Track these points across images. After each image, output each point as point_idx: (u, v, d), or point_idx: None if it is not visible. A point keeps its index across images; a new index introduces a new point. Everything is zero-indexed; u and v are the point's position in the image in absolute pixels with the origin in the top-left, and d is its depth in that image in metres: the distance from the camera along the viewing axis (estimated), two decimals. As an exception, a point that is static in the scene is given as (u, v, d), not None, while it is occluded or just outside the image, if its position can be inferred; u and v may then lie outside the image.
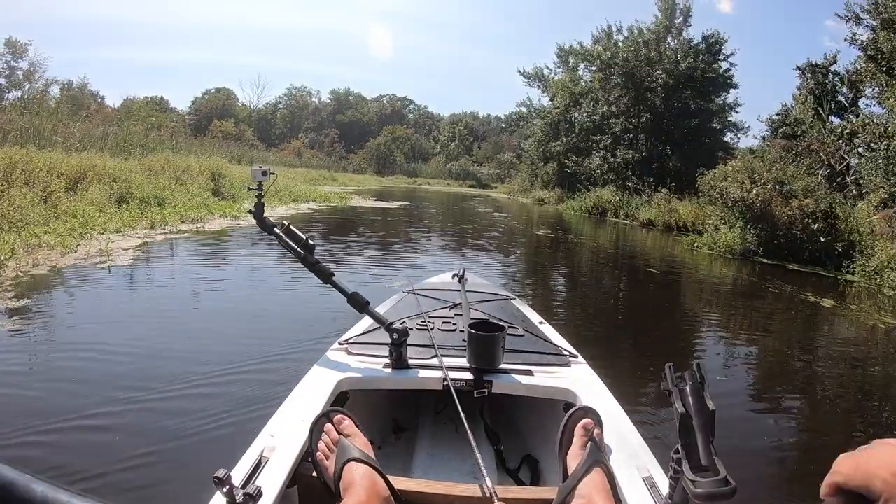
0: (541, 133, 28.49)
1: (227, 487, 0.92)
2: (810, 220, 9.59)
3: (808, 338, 5.55)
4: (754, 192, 9.88)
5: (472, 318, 1.84)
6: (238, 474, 1.04)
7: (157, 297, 4.69)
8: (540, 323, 2.20)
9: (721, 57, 21.71)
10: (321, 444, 1.18)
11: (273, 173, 1.75)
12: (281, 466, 1.11)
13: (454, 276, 2.64)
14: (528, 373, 1.61)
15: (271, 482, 1.04)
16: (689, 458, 0.81)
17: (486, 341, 1.57)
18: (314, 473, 1.17)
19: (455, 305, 2.20)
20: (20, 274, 4.76)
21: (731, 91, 22.48)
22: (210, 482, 0.92)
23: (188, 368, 3.09)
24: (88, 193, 8.04)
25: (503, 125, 56.90)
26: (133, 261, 5.68)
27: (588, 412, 1.27)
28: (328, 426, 1.20)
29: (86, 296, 4.47)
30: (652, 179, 18.67)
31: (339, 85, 66.94)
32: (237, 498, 0.93)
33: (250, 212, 1.72)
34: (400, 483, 1.15)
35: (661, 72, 21.20)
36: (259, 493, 0.98)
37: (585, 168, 23.23)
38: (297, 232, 1.69)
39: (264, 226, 1.69)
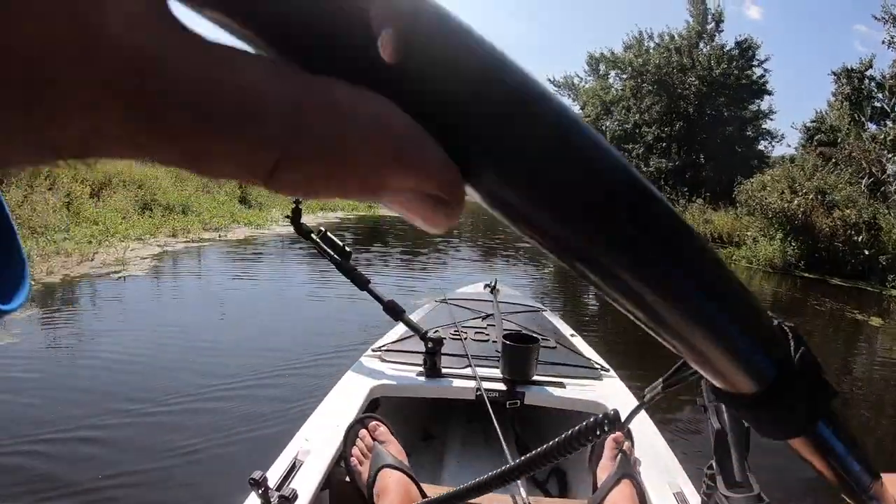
0: (571, 142, 28.05)
1: (263, 489, 0.93)
2: (853, 232, 9.06)
3: (848, 357, 5.19)
4: (795, 202, 9.39)
5: (504, 329, 1.85)
6: (273, 476, 1.05)
7: (167, 308, 4.66)
8: (571, 335, 2.20)
9: (755, 63, 21.12)
10: (355, 450, 1.18)
11: None
12: (315, 470, 1.13)
13: (486, 286, 2.66)
14: (561, 385, 1.61)
15: (305, 485, 1.05)
16: (722, 473, 0.78)
17: (520, 352, 1.58)
18: (348, 478, 1.17)
19: (487, 316, 2.19)
20: (32, 282, 4.69)
21: (766, 98, 21.96)
22: (246, 483, 0.94)
23: (209, 378, 3.19)
24: (112, 200, 8.12)
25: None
26: (148, 271, 5.69)
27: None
28: (363, 432, 1.20)
29: (93, 307, 4.44)
30: (686, 189, 18.10)
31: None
32: (272, 499, 0.94)
33: (287, 216, 1.72)
34: (433, 490, 1.14)
35: (693, 78, 20.73)
36: (294, 496, 0.98)
37: (617, 178, 22.59)
38: (334, 238, 1.70)
39: (301, 232, 1.69)
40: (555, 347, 1.90)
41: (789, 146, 21.56)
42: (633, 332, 5.65)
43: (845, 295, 7.85)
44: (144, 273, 5.51)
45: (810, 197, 9.44)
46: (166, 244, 7.03)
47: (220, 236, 8.24)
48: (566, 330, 2.28)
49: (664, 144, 21.66)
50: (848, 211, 9.26)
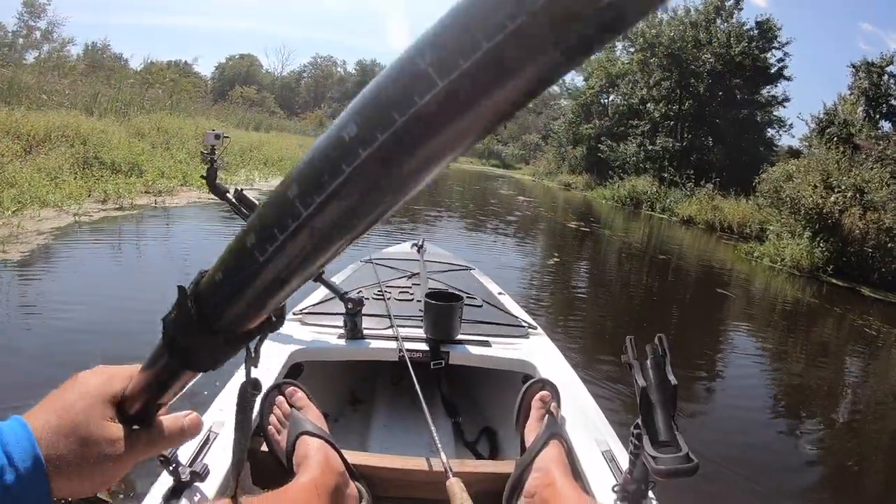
0: (572, 114, 26.86)
1: (174, 466, 0.86)
2: (886, 238, 8.12)
3: (876, 380, 4.47)
4: (832, 199, 8.37)
5: (429, 289, 1.75)
6: (185, 452, 0.97)
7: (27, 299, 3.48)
8: (499, 294, 2.18)
9: (776, 45, 19.84)
10: (272, 418, 1.13)
11: (227, 137, 1.73)
12: (230, 442, 0.79)
13: (413, 245, 2.61)
14: (486, 344, 1.59)
15: (220, 458, 0.99)
16: (649, 433, 0.80)
17: (442, 311, 1.53)
18: (265, 448, 1.13)
19: (413, 275, 2.15)
20: None
21: (780, 84, 20.73)
22: (154, 462, 0.79)
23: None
24: (45, 158, 6.72)
25: (530, 105, 54.92)
26: (31, 254, 4.24)
27: (545, 384, 1.25)
28: (280, 399, 1.15)
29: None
30: (692, 172, 17.04)
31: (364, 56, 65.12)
32: (183, 476, 0.88)
33: (202, 177, 1.67)
34: (355, 457, 1.13)
35: (709, 55, 19.40)
36: (207, 471, 0.91)
37: (620, 154, 21.47)
38: (250, 198, 1.61)
39: (216, 191, 1.65)
40: (481, 306, 1.87)
41: (793, 136, 20.53)
42: (561, 291, 5.88)
43: (884, 308, 6.98)
44: (24, 256, 4.12)
45: (848, 195, 8.43)
46: (85, 213, 5.67)
47: (157, 202, 6.87)
48: (494, 288, 2.26)
49: (672, 123, 20.44)
50: (883, 213, 8.28)
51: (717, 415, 3.29)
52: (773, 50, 19.91)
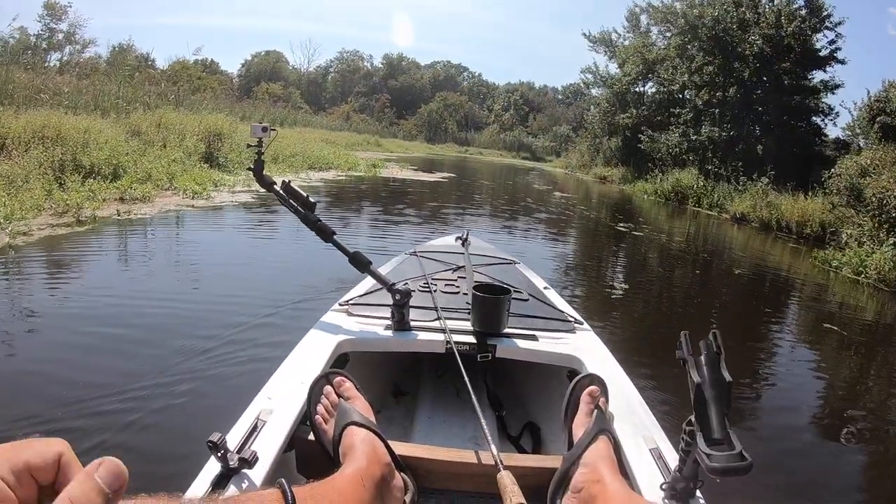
0: (606, 103, 25.67)
1: (222, 452, 0.89)
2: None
3: None
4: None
5: (475, 282, 1.79)
6: (233, 438, 1.00)
7: None
8: (545, 288, 2.17)
9: (828, 25, 18.29)
10: (320, 407, 1.14)
11: (274, 130, 1.71)
12: (278, 430, 1.08)
13: (457, 238, 2.61)
14: (533, 338, 1.58)
15: (268, 446, 1.01)
16: (703, 430, 0.78)
17: (490, 304, 1.52)
18: (312, 437, 1.13)
19: (458, 268, 2.14)
20: None
21: (830, 68, 18.67)
22: (205, 447, 0.88)
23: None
24: (5, 165, 5.92)
25: (560, 97, 54.99)
26: None
27: (594, 380, 1.24)
28: (328, 388, 1.17)
29: None
30: (740, 164, 15.86)
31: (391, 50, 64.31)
32: (231, 463, 0.90)
33: (250, 169, 1.69)
34: (401, 448, 1.12)
35: (756, 37, 18.00)
36: (255, 458, 0.94)
37: (662, 145, 20.08)
38: (298, 190, 1.65)
39: (263, 183, 1.66)
40: (527, 300, 1.85)
41: (835, 125, 18.76)
42: (608, 286, 5.59)
43: None
44: None
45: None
46: (27, 232, 4.67)
47: (123, 213, 5.84)
48: (539, 282, 2.26)
49: (717, 111, 19.12)
50: None
51: (767, 420, 3.12)
52: (826, 31, 18.45)
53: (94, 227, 5.30)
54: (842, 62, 18.65)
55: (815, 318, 5.85)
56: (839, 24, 18.31)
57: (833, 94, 19.02)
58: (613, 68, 26.66)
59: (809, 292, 7.06)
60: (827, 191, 10.25)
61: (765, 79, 18.55)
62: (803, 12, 18.00)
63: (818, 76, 18.90)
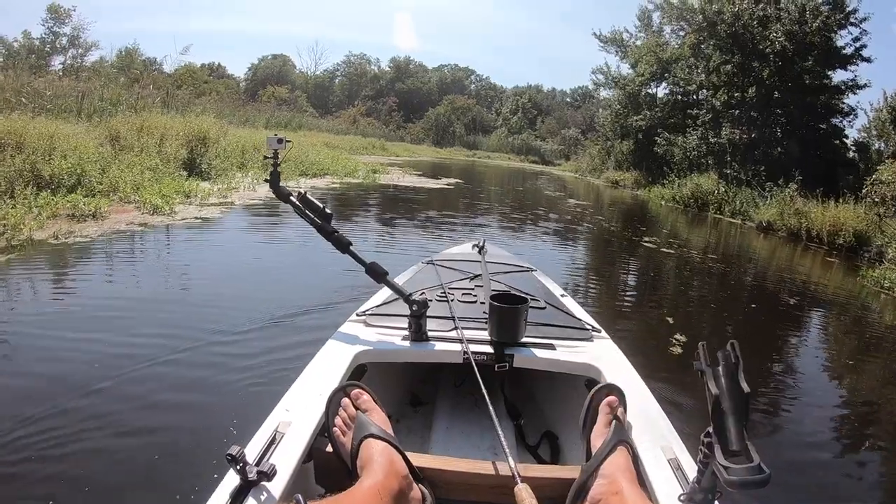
0: (618, 105, 24.84)
1: (241, 465, 0.89)
2: None
3: None
4: None
5: (492, 290, 1.79)
6: (252, 451, 0.99)
7: None
8: (562, 296, 2.14)
9: (853, 21, 17.36)
10: (338, 420, 1.14)
11: (289, 141, 1.73)
12: (296, 442, 1.07)
13: (474, 246, 2.60)
14: (551, 347, 1.56)
15: (286, 458, 1.00)
16: (720, 441, 0.77)
17: (508, 314, 1.50)
18: (330, 449, 1.13)
19: (475, 277, 2.12)
20: None
21: (855, 67, 17.59)
22: (223, 460, 0.87)
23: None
24: None
25: (568, 100, 54.13)
26: None
27: (612, 389, 1.22)
28: (345, 401, 1.17)
29: None
30: (762, 168, 14.99)
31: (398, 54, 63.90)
32: (250, 475, 0.90)
33: (266, 181, 1.70)
34: (418, 460, 1.12)
35: (778, 34, 17.11)
36: (273, 471, 0.93)
37: (680, 148, 19.23)
38: (315, 201, 1.66)
39: (280, 195, 1.66)
40: (544, 308, 1.83)
41: (851, 126, 17.77)
42: (628, 295, 5.54)
43: None
44: None
45: None
46: None
47: (64, 234, 4.91)
48: (556, 290, 2.22)
49: (737, 112, 18.25)
50: None
51: (787, 433, 3.01)
52: (850, 27, 17.54)
53: (23, 254, 4.39)
54: (868, 60, 17.73)
55: (856, 343, 5.14)
56: (864, 20, 17.43)
57: (854, 94, 18.10)
58: (625, 69, 25.89)
59: (854, 312, 6.26)
60: (865, 198, 9.40)
61: (788, 77, 17.64)
62: (826, 8, 17.12)
63: (839, 75, 18.04)
